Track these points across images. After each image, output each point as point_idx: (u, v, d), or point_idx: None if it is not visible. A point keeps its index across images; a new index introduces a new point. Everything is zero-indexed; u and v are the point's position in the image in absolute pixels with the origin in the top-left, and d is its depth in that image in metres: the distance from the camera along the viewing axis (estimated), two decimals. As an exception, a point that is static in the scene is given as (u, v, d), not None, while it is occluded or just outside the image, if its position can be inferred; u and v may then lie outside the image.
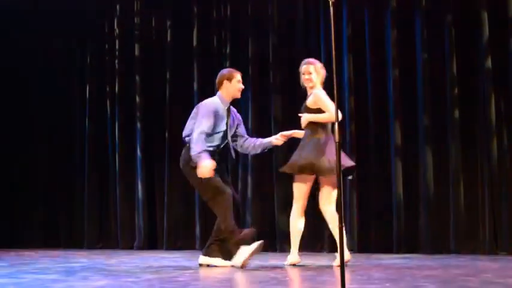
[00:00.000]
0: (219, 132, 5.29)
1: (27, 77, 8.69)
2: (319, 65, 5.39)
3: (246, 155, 7.16)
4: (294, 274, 4.80)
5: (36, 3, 8.46)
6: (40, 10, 8.49)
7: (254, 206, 7.15)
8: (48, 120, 8.58)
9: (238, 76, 5.40)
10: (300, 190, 5.20)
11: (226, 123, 5.33)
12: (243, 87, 5.44)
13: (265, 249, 6.78)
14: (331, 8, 3.61)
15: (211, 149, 5.20)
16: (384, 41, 6.69)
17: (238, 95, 5.44)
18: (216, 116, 5.25)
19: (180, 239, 7.58)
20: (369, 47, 6.76)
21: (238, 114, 5.58)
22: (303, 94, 6.98)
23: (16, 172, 8.69)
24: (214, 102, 5.33)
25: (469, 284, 3.86)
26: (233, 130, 5.45)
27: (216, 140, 5.28)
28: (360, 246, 6.58)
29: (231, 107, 5.47)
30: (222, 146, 5.35)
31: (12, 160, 8.69)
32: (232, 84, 5.36)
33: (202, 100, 7.71)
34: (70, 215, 8.34)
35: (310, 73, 5.34)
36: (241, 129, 5.55)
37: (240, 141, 5.51)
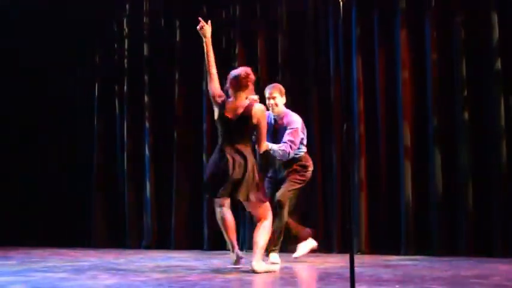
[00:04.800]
0: None
1: (36, 76, 8.72)
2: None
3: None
4: (302, 275, 4.79)
5: (45, 2, 8.49)
6: (49, 9, 8.52)
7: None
8: (57, 119, 8.60)
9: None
10: None
11: None
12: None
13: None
14: (341, 9, 3.58)
15: None
16: (393, 42, 6.67)
17: None
18: None
19: (188, 239, 7.59)
20: (378, 47, 6.74)
21: None
22: (311, 96, 7.01)
23: (24, 170, 8.72)
24: None
25: (480, 286, 3.85)
26: None
27: None
28: (368, 247, 6.57)
29: None
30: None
31: (21, 159, 8.72)
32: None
33: (209, 100, 7.70)
34: (78, 214, 8.36)
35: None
36: None
37: None
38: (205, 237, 7.40)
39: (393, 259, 5.89)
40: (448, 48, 6.41)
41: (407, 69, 6.55)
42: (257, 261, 4.70)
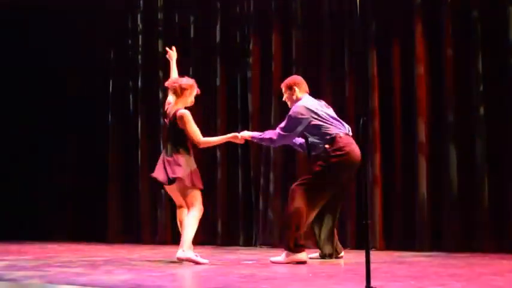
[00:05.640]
0: None
1: (51, 73, 8.77)
2: None
3: (268, 152, 7.18)
4: (318, 270, 4.78)
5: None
6: (64, 6, 8.55)
7: (276, 202, 7.14)
8: (71, 115, 8.65)
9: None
10: None
11: None
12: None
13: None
14: (357, 3, 3.57)
15: None
16: (409, 37, 6.63)
17: None
18: None
19: (202, 235, 7.58)
20: (393, 42, 6.70)
21: None
22: (325, 91, 6.99)
23: (40, 166, 8.78)
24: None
25: (495, 283, 3.83)
26: None
27: None
28: (383, 243, 6.55)
29: None
30: None
31: (36, 155, 8.78)
32: None
33: (223, 96, 7.71)
34: (93, 209, 8.41)
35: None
36: None
37: None
38: (219, 232, 7.41)
39: (408, 255, 5.87)
40: (464, 44, 6.37)
41: (423, 65, 6.51)
42: (181, 248, 5.00)
